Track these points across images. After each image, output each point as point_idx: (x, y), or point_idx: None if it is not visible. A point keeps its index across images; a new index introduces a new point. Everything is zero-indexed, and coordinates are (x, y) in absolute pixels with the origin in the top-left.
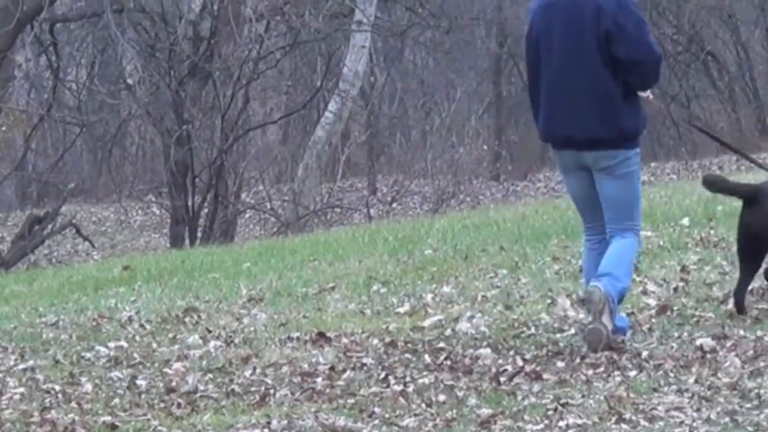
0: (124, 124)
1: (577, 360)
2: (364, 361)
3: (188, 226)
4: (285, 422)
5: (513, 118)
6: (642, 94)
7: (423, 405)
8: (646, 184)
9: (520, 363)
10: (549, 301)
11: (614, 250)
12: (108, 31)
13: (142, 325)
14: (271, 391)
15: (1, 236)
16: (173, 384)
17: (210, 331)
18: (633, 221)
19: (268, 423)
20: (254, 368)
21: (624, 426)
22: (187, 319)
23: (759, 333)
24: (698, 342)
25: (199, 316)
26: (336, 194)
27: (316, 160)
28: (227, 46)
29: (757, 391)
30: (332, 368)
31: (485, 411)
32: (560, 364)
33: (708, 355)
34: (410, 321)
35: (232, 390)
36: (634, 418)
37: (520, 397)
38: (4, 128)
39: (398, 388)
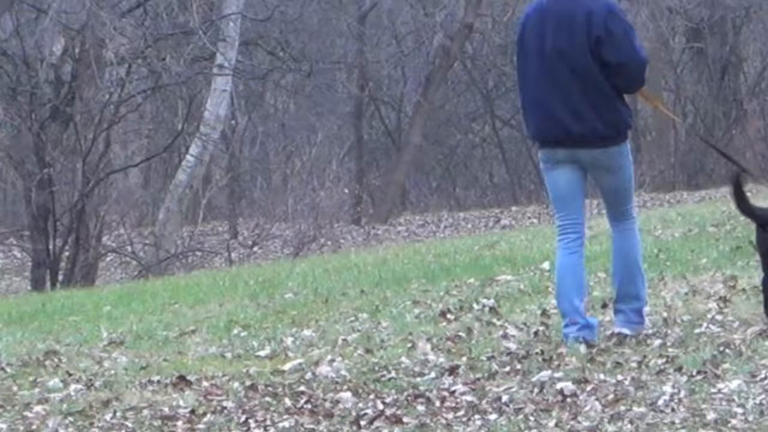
0: None
1: (438, 404)
2: (225, 404)
3: (49, 269)
4: None
5: (374, 161)
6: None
7: None
8: (507, 228)
9: (380, 406)
10: (409, 344)
11: (621, 261)
12: None
13: (2, 369)
14: None
15: None
16: (33, 427)
17: (70, 375)
18: (630, 204)
19: None
20: (114, 412)
21: None
22: (47, 363)
23: (619, 377)
24: (558, 386)
25: (60, 360)
26: (197, 238)
27: (177, 204)
28: (88, 89)
29: None
30: (193, 411)
31: None
32: (421, 407)
33: (568, 399)
34: (271, 364)
35: None
36: None
37: None
38: None
39: (259, 431)
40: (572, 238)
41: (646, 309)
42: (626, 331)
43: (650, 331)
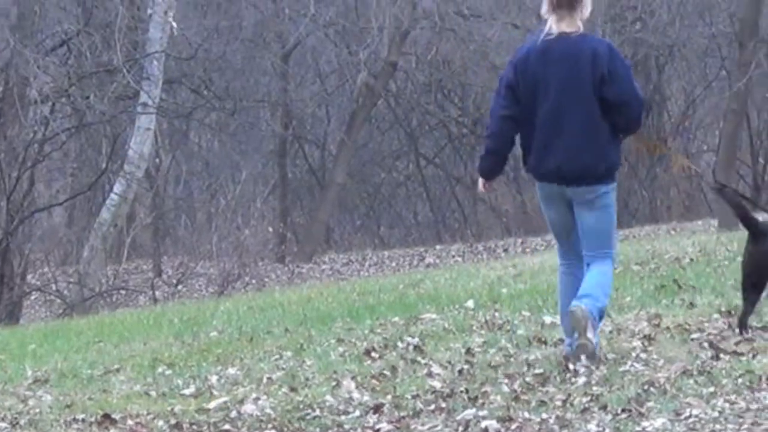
0: None
1: None
2: None
3: None
4: None
5: (298, 199)
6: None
7: None
8: (431, 266)
9: None
10: (334, 383)
11: (592, 275)
12: None
13: None
14: None
15: None
16: None
17: None
18: (609, 249)
19: None
20: None
21: None
22: None
23: (544, 415)
24: (483, 424)
25: None
26: (121, 276)
27: (101, 242)
28: (12, 127)
29: None
30: None
31: None
32: None
33: None
34: (195, 403)
35: None
36: None
37: None
38: None
39: None
40: (571, 263)
41: (597, 313)
42: (584, 308)
43: (574, 370)
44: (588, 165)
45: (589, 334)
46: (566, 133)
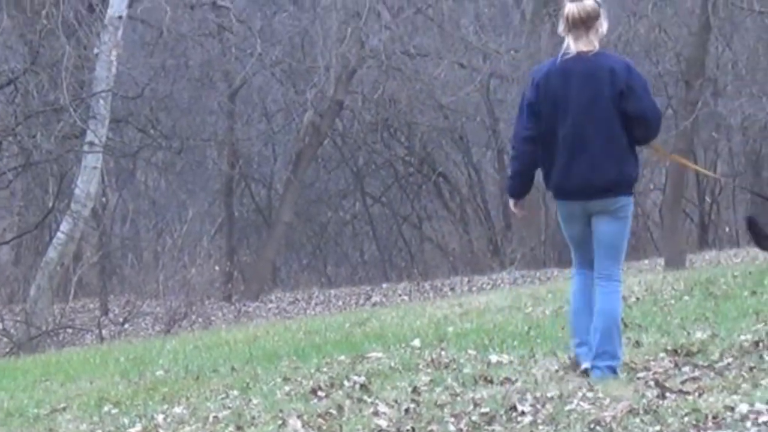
0: None
1: None
2: None
3: None
4: None
5: (245, 238)
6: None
7: None
8: (378, 305)
9: None
10: (280, 421)
11: (606, 320)
12: None
13: None
14: None
15: None
16: None
17: None
18: (619, 264)
19: None
20: None
21: None
22: None
23: None
24: None
25: None
26: (68, 315)
27: (48, 281)
28: None
29: None
30: None
31: None
32: None
33: None
34: None
35: None
36: None
37: None
38: None
39: None
40: (585, 271)
41: (619, 368)
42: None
43: (521, 409)
44: (609, 180)
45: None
46: (587, 151)
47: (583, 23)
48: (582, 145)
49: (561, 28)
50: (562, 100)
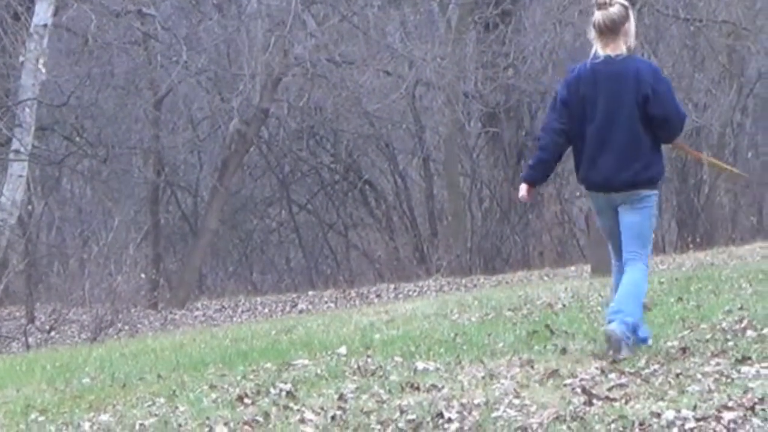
0: None
1: None
2: None
3: None
4: None
5: (171, 246)
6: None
7: None
8: (304, 312)
9: None
10: (207, 429)
11: (626, 286)
12: None
13: None
14: None
15: None
16: None
17: None
18: (645, 249)
19: None
20: None
21: None
22: None
23: None
24: None
25: None
26: None
27: None
28: None
29: None
30: None
31: None
32: None
33: None
34: None
35: None
36: None
37: None
38: None
39: None
40: (622, 261)
41: (649, 342)
42: (617, 332)
43: (447, 416)
44: (631, 177)
45: (624, 353)
46: (612, 148)
47: (610, 29)
48: (607, 143)
49: (591, 34)
50: (590, 101)
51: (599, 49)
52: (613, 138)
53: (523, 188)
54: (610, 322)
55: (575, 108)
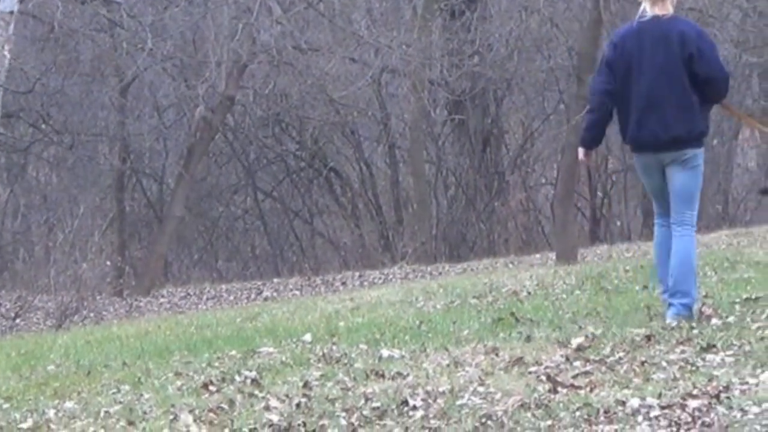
0: None
1: None
2: None
3: None
4: None
5: (136, 233)
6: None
7: None
8: (269, 300)
9: None
10: (172, 416)
11: (680, 263)
12: None
13: None
14: None
15: None
16: None
17: None
18: (693, 209)
19: None
20: None
21: None
22: None
23: None
24: None
25: None
26: None
27: None
28: None
29: None
30: None
31: None
32: None
33: None
34: None
35: None
36: None
37: None
38: None
39: None
40: (665, 221)
41: (695, 306)
42: (675, 323)
43: (412, 403)
44: (680, 134)
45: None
46: (659, 107)
47: None
48: (654, 102)
49: None
50: (636, 60)
51: (647, 9)
52: (661, 96)
53: (581, 152)
54: (670, 305)
55: (621, 68)
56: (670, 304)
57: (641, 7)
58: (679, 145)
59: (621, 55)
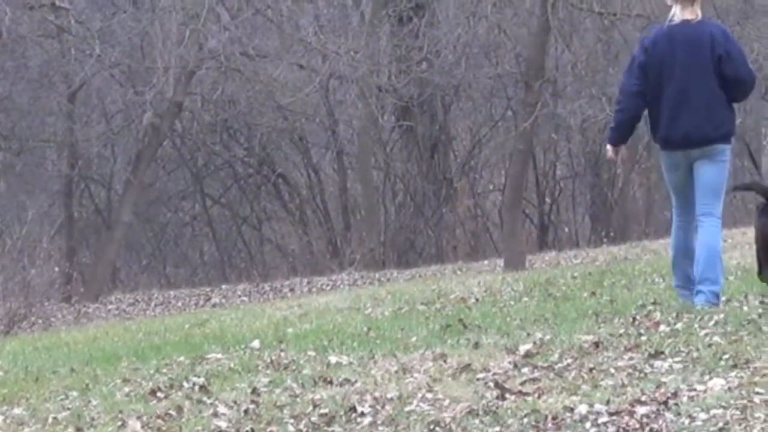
0: None
1: None
2: None
3: None
4: None
5: (84, 239)
6: None
7: None
8: (217, 306)
9: None
10: (119, 423)
11: (707, 253)
12: None
13: None
14: None
15: None
16: None
17: None
18: (719, 203)
19: None
20: None
21: None
22: None
23: None
24: None
25: None
26: None
27: None
28: None
29: None
30: None
31: None
32: None
33: None
34: None
35: None
36: None
37: None
38: None
39: None
40: (686, 219)
41: (722, 297)
42: (705, 308)
43: (360, 410)
44: (708, 133)
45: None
46: (690, 107)
47: None
48: (686, 101)
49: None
50: (668, 62)
51: (677, 13)
52: (692, 96)
53: (609, 150)
54: (698, 292)
55: (653, 70)
56: (698, 291)
57: (671, 12)
58: (708, 142)
59: (653, 57)
